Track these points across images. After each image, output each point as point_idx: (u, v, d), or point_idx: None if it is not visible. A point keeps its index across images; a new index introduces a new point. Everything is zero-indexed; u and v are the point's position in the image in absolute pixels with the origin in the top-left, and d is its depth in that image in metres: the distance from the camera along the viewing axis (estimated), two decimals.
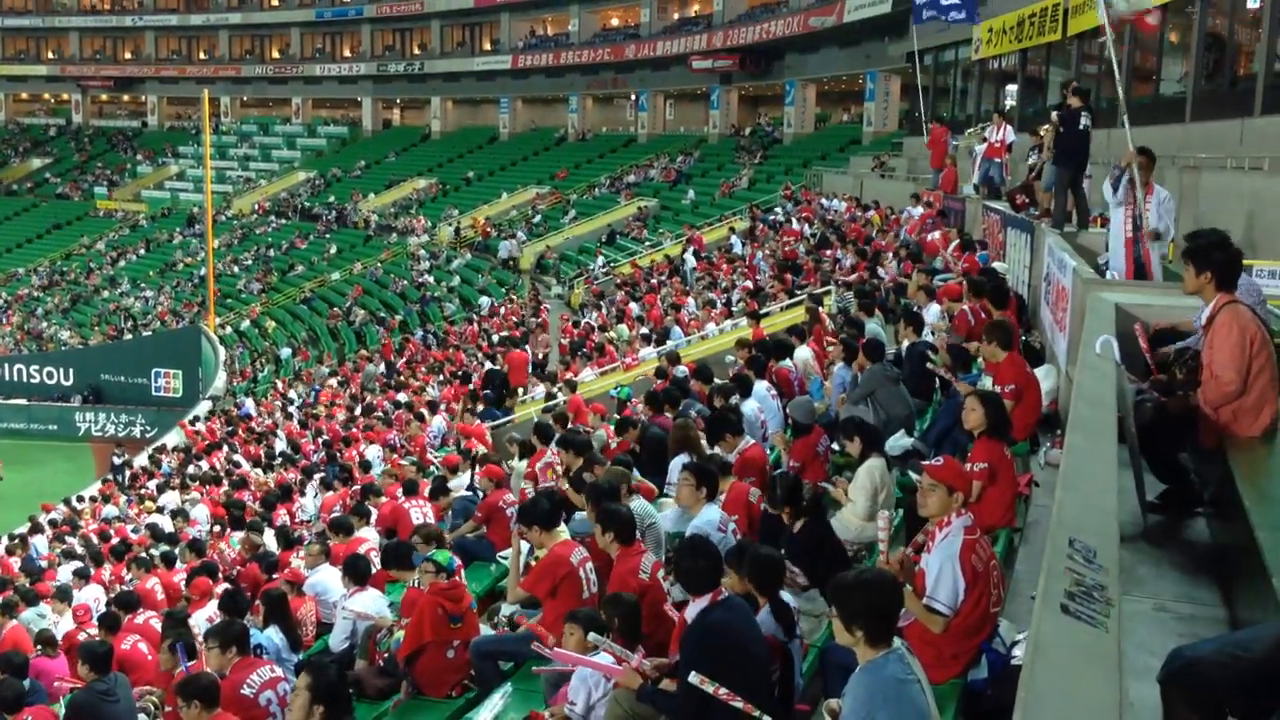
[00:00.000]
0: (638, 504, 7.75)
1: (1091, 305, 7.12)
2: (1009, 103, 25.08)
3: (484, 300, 35.00)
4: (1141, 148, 9.14)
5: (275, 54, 65.37)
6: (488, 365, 23.23)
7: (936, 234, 17.18)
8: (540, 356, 22.88)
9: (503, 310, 32.75)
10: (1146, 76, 18.54)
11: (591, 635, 5.49)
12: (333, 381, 30.52)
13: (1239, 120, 13.88)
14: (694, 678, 4.64)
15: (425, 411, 20.12)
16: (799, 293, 18.82)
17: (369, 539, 10.71)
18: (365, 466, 16.29)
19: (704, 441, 8.84)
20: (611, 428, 13.10)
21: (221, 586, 10.51)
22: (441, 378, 25.14)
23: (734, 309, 20.28)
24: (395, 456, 17.37)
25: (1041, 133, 14.00)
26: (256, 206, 56.13)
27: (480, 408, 19.02)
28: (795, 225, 26.67)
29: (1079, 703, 2.59)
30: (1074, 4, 20.03)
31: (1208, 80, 15.79)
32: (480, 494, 11.04)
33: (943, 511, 5.21)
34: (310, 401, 28.71)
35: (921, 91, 28.09)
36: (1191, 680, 3.18)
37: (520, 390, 20.88)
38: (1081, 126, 11.65)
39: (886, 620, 4.01)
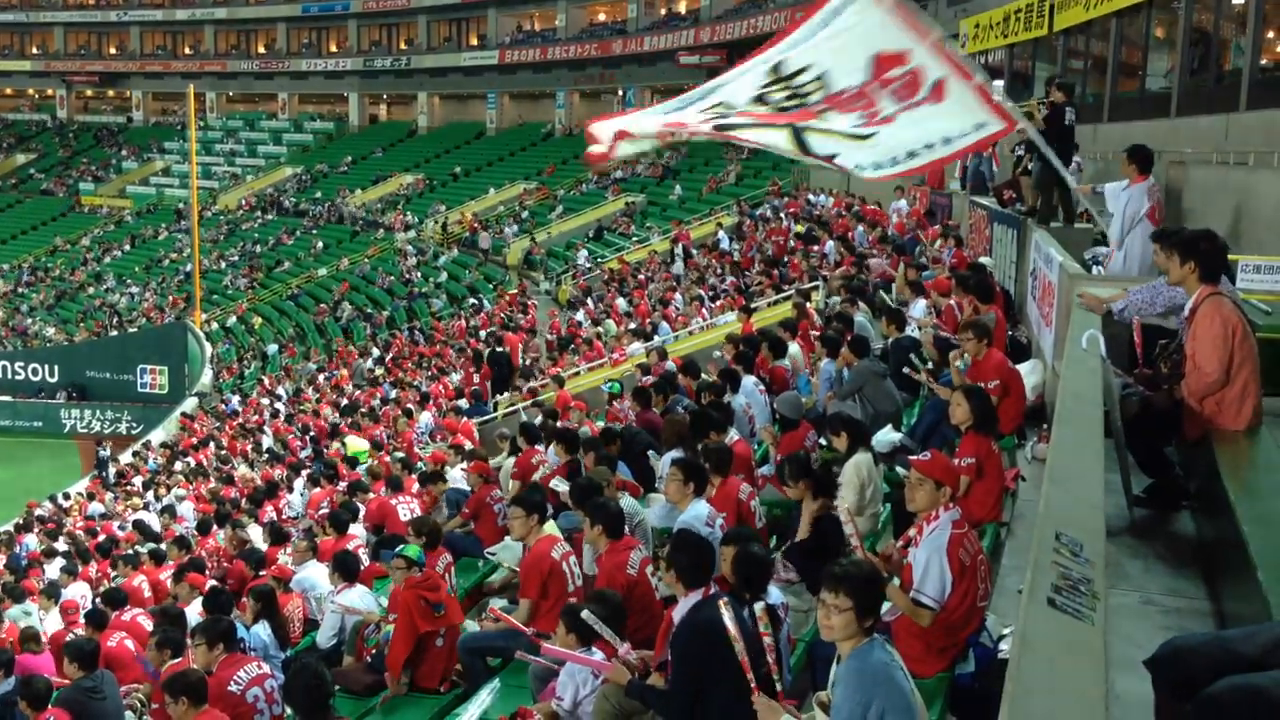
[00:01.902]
0: (625, 501, 7.76)
1: (1076, 300, 7.13)
2: (996, 98, 25.09)
3: (472, 301, 34.91)
4: (1129, 147, 9.17)
5: (261, 49, 65.08)
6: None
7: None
8: (529, 362, 22.85)
9: (495, 305, 32.67)
10: (1132, 72, 18.57)
11: (585, 613, 5.48)
12: (326, 375, 30.47)
13: (1224, 115, 13.92)
14: (726, 615, 4.58)
15: (413, 407, 20.13)
16: (786, 288, 18.83)
17: (357, 535, 10.70)
18: (351, 463, 16.26)
19: None
20: (599, 425, 13.09)
21: (209, 583, 10.48)
22: (430, 374, 25.12)
23: (721, 303, 20.28)
24: (381, 453, 17.35)
25: (1031, 105, 13.99)
26: (243, 202, 55.95)
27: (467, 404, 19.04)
28: (783, 221, 26.67)
29: (1065, 695, 2.59)
30: (1059, 0, 20.08)
31: (1193, 76, 15.83)
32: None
33: (930, 506, 5.23)
34: (304, 396, 28.64)
35: None
36: (1175, 668, 3.20)
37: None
38: (1066, 122, 11.68)
39: (878, 610, 4.11)
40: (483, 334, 26.82)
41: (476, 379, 21.90)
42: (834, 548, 6.40)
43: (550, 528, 7.61)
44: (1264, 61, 13.83)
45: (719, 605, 4.57)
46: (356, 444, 18.27)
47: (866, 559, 5.23)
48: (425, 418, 19.01)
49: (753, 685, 4.43)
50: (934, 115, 7.91)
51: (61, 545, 18.23)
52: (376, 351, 31.44)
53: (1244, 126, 13.20)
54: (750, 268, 22.66)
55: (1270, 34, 14.13)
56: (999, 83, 25.41)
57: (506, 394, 20.55)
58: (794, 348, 12.46)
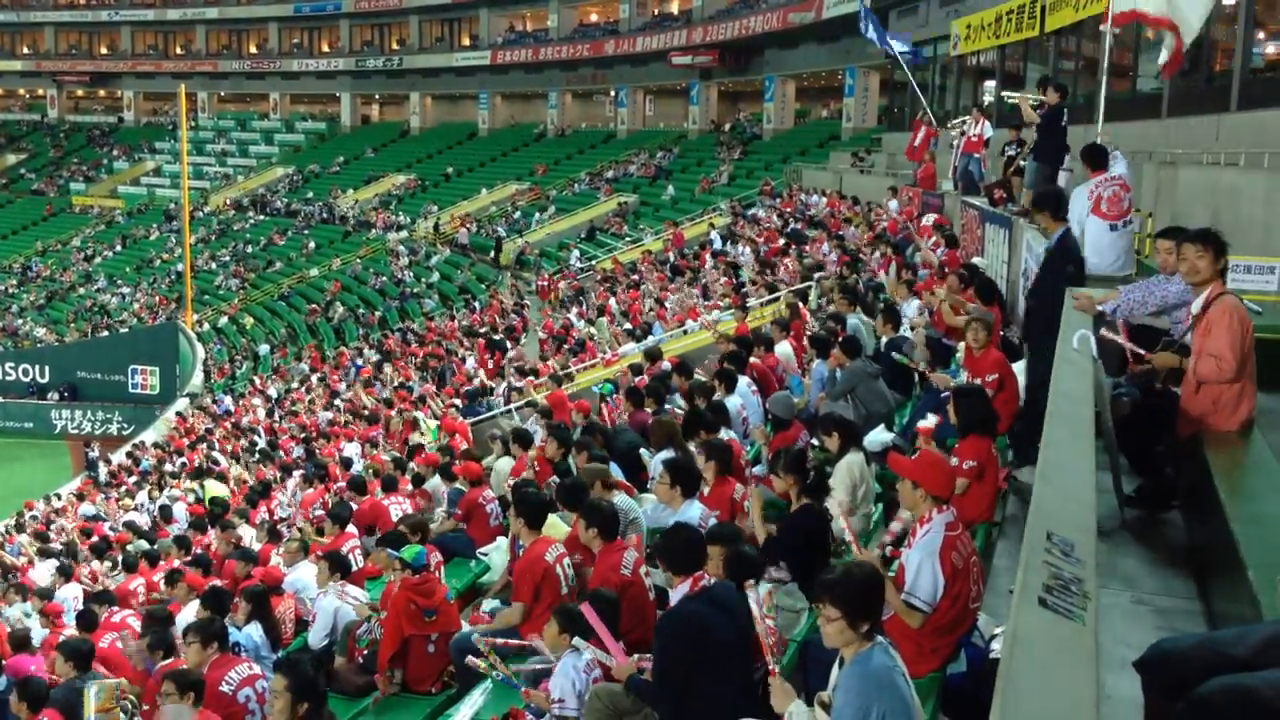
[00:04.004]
0: (620, 499, 7.75)
1: (1068, 300, 7.14)
2: (987, 98, 25.17)
3: (468, 300, 34.92)
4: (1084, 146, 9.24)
5: (253, 49, 65.00)
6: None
7: (929, 218, 17.38)
8: (515, 368, 22.86)
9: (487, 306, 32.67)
10: (1123, 73, 18.62)
11: (576, 640, 5.53)
12: (319, 376, 30.38)
13: (1215, 116, 13.97)
14: (751, 596, 4.57)
15: (406, 407, 20.07)
16: (781, 287, 18.82)
17: (354, 535, 10.67)
18: (345, 464, 16.24)
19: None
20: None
21: (212, 583, 10.44)
22: (424, 374, 25.07)
23: (721, 304, 20.26)
24: (376, 452, 17.32)
25: (1020, 97, 14.03)
26: (226, 202, 55.83)
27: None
28: (776, 222, 26.69)
29: (1057, 696, 2.60)
30: (1051, 1, 20.12)
31: (1184, 77, 15.87)
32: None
33: (910, 504, 5.23)
34: (297, 395, 28.58)
35: (906, 87, 28.12)
36: (1165, 671, 3.20)
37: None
38: (1064, 122, 11.74)
39: (879, 613, 4.12)
40: (480, 333, 26.83)
41: (491, 364, 22.10)
42: (821, 545, 6.42)
43: (549, 529, 7.58)
44: (1254, 63, 13.87)
45: (745, 589, 4.58)
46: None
47: (864, 557, 5.24)
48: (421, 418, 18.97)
49: (771, 668, 4.43)
50: None
51: (55, 546, 18.20)
52: (370, 352, 31.35)
53: (1234, 127, 13.24)
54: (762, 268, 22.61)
55: (1261, 35, 14.18)
56: (991, 84, 25.47)
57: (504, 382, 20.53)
58: (787, 348, 12.46)
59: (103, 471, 27.24)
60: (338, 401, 25.07)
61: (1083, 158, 9.04)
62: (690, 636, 4.96)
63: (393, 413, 19.90)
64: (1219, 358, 5.33)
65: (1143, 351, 5.81)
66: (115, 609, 10.38)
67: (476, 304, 33.18)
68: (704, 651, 4.87)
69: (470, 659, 6.17)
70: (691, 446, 8.55)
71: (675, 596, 5.28)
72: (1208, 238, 5.62)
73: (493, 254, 39.75)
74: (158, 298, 47.03)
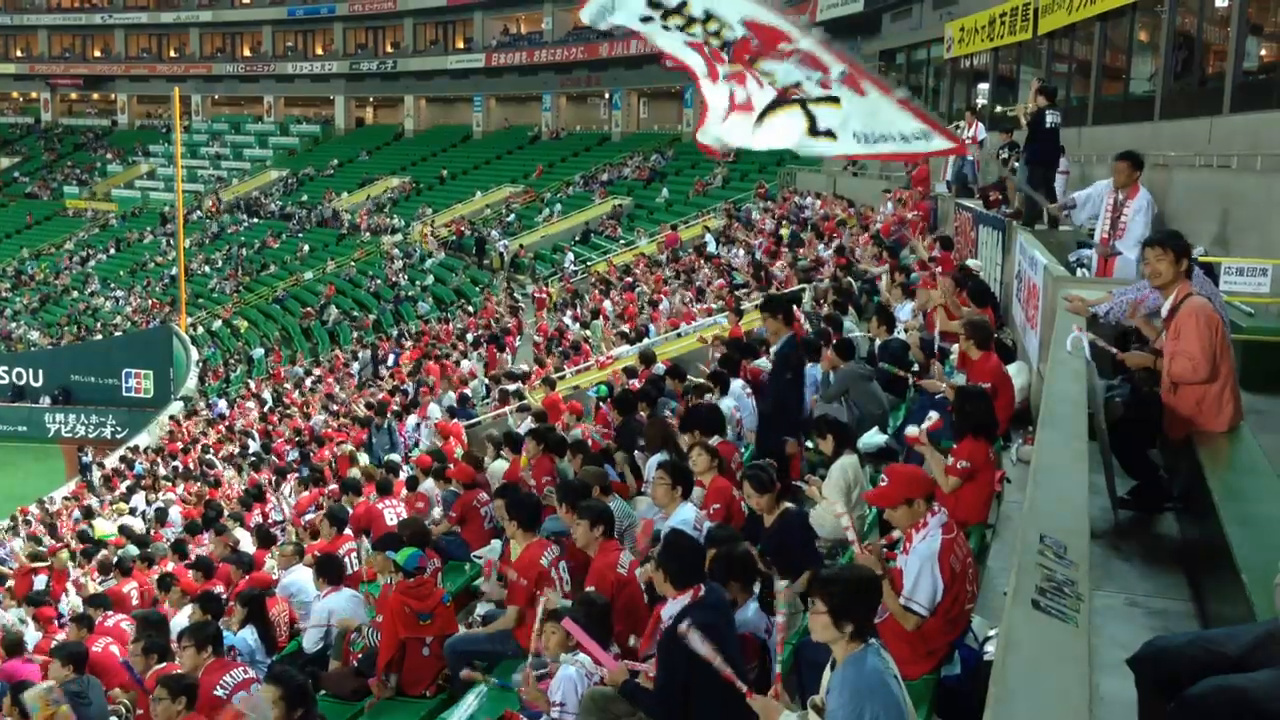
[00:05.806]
0: (616, 504, 7.75)
1: (1062, 303, 7.16)
2: (981, 101, 25.21)
3: (462, 305, 34.93)
4: (1122, 152, 9.16)
5: (247, 52, 64.95)
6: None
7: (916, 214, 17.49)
8: (526, 366, 22.88)
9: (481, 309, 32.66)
10: (1116, 75, 18.66)
11: (563, 655, 5.53)
12: (314, 379, 30.33)
13: (1208, 118, 13.98)
14: (694, 639, 4.48)
15: (401, 410, 20.07)
16: (776, 289, 18.81)
17: (351, 538, 10.66)
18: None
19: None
20: (589, 425, 13.08)
21: (216, 588, 10.42)
22: (419, 377, 25.04)
23: (713, 306, 20.26)
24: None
25: (1019, 108, 14.04)
26: (213, 205, 55.76)
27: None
28: (769, 224, 26.70)
29: (1050, 697, 2.61)
30: (1044, 3, 20.15)
31: (1177, 79, 15.89)
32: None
33: (909, 522, 5.20)
34: (289, 397, 28.54)
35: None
36: (1158, 668, 3.21)
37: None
38: (1049, 125, 11.73)
39: (871, 616, 4.08)
40: (470, 337, 26.83)
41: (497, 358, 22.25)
42: (809, 549, 6.43)
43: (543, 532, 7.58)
44: (1247, 65, 13.89)
45: (688, 630, 4.50)
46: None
47: (865, 556, 5.22)
48: (413, 421, 18.97)
49: (745, 691, 4.40)
50: (878, 106, 7.06)
51: (47, 550, 18.14)
52: (365, 354, 31.35)
53: (1227, 130, 13.26)
54: (732, 274, 22.64)
55: (1253, 37, 14.21)
56: (984, 86, 25.35)
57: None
58: None
59: (96, 475, 27.18)
60: (333, 405, 25.07)
61: (1133, 163, 8.91)
62: (692, 654, 4.86)
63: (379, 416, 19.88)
64: (1191, 358, 5.38)
65: (1115, 350, 5.84)
66: (110, 613, 10.36)
67: (470, 308, 33.17)
68: (702, 664, 4.80)
69: (465, 672, 6.16)
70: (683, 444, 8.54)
71: (673, 607, 5.16)
72: (1167, 241, 5.68)
73: (474, 252, 39.82)
74: (151, 301, 46.95)
